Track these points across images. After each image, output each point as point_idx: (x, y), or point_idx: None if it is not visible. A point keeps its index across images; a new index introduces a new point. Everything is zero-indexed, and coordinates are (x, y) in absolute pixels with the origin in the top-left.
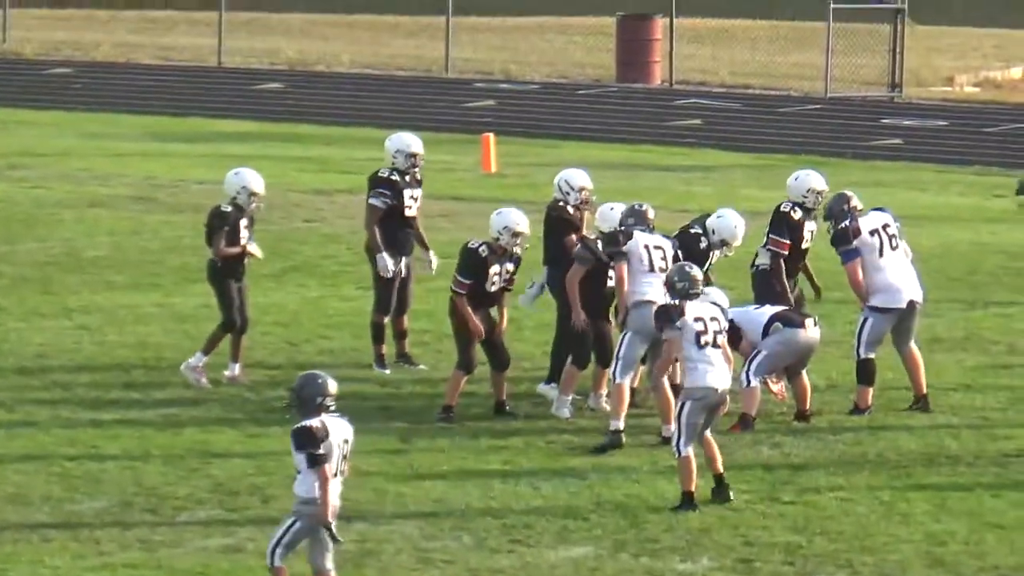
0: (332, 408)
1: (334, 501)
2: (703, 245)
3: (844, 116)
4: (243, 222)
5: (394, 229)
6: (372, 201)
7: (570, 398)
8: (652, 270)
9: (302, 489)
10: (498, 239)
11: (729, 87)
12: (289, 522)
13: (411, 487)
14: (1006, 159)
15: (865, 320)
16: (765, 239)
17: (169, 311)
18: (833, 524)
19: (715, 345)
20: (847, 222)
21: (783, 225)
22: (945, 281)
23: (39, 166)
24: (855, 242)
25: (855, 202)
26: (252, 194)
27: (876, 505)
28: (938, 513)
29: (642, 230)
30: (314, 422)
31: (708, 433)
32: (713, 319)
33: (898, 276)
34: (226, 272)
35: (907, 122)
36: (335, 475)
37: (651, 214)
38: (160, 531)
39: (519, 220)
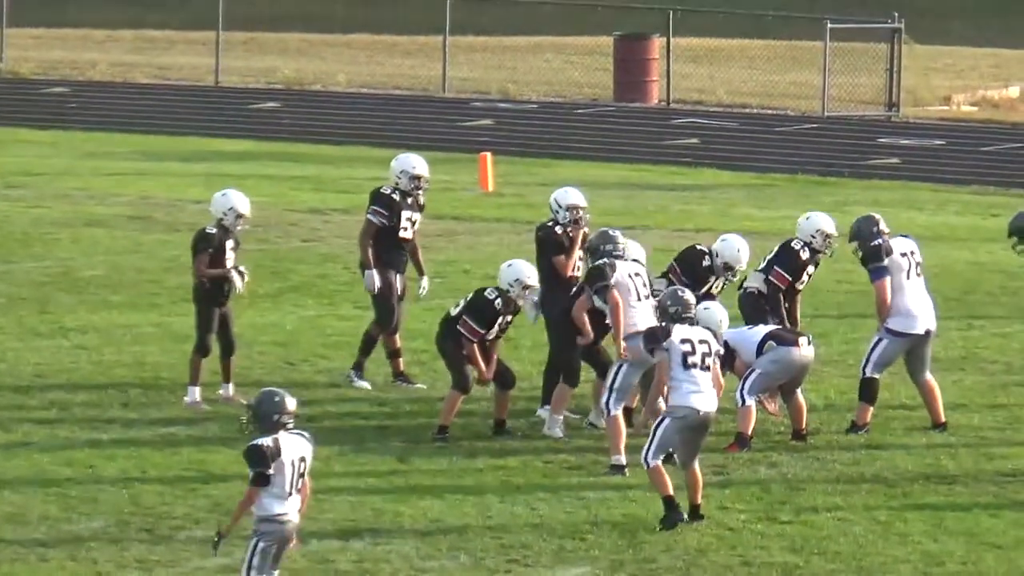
0: (290, 425)
1: (292, 519)
2: (706, 263)
3: (841, 135)
4: (229, 243)
5: (388, 247)
6: (368, 216)
7: (562, 417)
8: (639, 299)
9: (259, 507)
10: (508, 291)
11: (726, 106)
12: (252, 543)
13: (408, 506)
14: (1003, 179)
15: (879, 341)
16: (762, 263)
17: (166, 331)
18: (830, 544)
19: (703, 367)
20: (879, 240)
21: (790, 262)
22: (942, 301)
23: (36, 185)
24: (886, 260)
25: (883, 225)
26: (239, 216)
27: (873, 525)
28: (936, 533)
29: (618, 256)
30: (266, 441)
31: (696, 465)
32: (702, 342)
33: (917, 302)
34: (210, 296)
35: (904, 141)
36: (290, 493)
37: (621, 238)
38: (157, 551)
39: (531, 273)
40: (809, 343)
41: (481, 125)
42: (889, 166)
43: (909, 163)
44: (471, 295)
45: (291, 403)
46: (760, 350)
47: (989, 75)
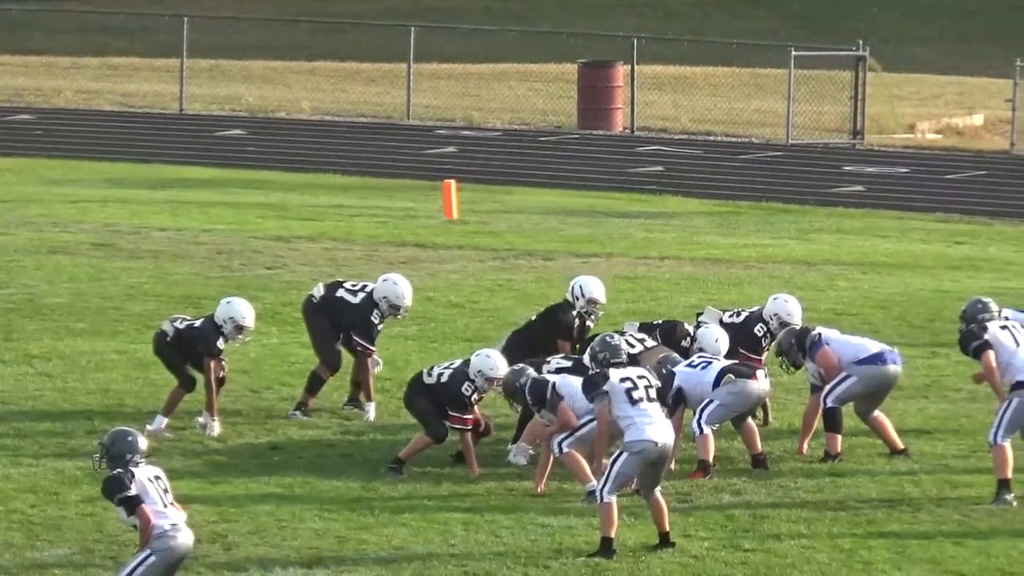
0: (141, 465)
1: (183, 533)
2: (684, 344)
3: (806, 163)
4: (223, 345)
5: None
6: (361, 344)
7: (529, 448)
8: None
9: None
10: (475, 380)
11: (691, 134)
12: (144, 555)
13: (372, 534)
14: (968, 206)
15: (847, 377)
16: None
17: (130, 358)
18: (794, 572)
19: (650, 399)
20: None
21: (757, 347)
22: (907, 328)
23: None
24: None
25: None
26: (239, 327)
27: (837, 553)
28: (899, 561)
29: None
30: (117, 470)
31: (657, 493)
32: (641, 377)
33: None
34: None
35: (869, 169)
36: (166, 506)
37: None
38: None
39: (495, 365)
40: (766, 376)
41: (445, 152)
42: (854, 194)
43: (874, 191)
44: (447, 378)
45: (143, 443)
46: (718, 382)
47: (954, 103)
